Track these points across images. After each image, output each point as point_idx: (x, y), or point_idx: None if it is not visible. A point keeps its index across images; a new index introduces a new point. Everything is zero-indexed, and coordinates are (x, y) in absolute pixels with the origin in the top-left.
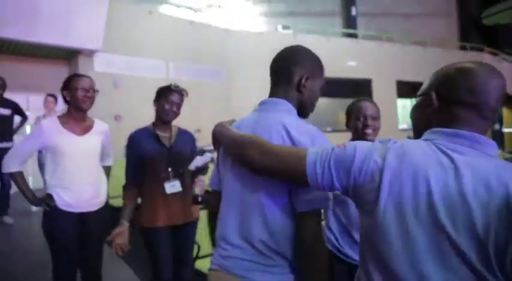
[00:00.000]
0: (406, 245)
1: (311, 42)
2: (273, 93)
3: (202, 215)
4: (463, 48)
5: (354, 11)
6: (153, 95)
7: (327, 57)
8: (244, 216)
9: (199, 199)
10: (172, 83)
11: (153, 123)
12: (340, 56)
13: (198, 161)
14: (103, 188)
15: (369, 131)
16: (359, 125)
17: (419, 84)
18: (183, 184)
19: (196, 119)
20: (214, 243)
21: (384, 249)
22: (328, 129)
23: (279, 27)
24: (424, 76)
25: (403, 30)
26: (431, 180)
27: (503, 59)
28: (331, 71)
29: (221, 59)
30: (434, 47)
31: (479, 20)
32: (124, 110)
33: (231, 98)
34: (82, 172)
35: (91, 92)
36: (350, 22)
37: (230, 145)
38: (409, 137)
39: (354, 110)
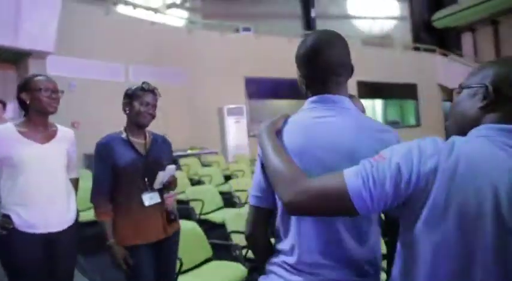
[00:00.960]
0: (464, 256)
1: (273, 43)
2: (333, 89)
3: (183, 226)
4: (416, 49)
5: (313, 13)
6: (112, 100)
7: (289, 58)
8: (325, 232)
9: (173, 217)
10: (144, 83)
11: (125, 129)
12: None
13: (162, 177)
14: (72, 203)
15: None
16: None
17: (380, 84)
18: (162, 195)
19: (159, 124)
20: (259, 263)
21: (434, 260)
22: None
23: (240, 29)
24: (384, 76)
25: (360, 32)
26: (498, 184)
27: (452, 59)
28: (294, 72)
29: (183, 61)
30: (390, 48)
31: (430, 23)
32: (81, 116)
33: (194, 100)
34: (47, 185)
35: (56, 93)
36: (310, 24)
37: (267, 168)
38: None
39: None
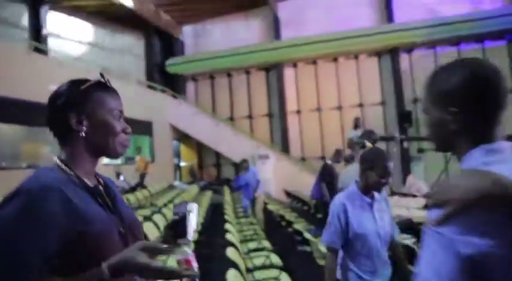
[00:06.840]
0: None
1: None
2: (499, 133)
3: None
4: (152, 88)
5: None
6: None
7: (29, 75)
8: None
9: None
10: (102, 74)
11: (66, 163)
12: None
13: (194, 222)
14: None
15: None
16: None
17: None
18: None
19: None
20: None
21: None
22: (3, 164)
23: None
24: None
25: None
26: None
27: (180, 102)
28: (26, 91)
29: None
30: (127, 83)
31: (163, 66)
32: None
33: None
34: None
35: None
36: (40, 39)
37: None
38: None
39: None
